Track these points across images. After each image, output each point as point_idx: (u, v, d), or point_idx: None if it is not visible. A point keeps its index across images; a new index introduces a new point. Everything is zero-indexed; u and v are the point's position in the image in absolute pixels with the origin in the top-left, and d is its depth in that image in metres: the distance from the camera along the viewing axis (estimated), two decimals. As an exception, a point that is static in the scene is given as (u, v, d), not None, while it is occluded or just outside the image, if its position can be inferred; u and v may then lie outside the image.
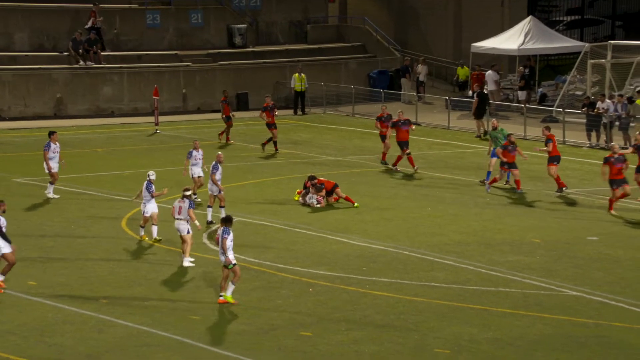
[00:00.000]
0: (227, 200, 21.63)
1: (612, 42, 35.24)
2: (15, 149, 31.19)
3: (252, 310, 16.51)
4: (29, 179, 26.25)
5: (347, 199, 23.28)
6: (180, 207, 18.53)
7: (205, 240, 20.31)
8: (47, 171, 23.89)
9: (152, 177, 20.22)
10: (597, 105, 31.86)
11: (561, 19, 44.28)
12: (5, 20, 37.55)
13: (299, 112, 37.45)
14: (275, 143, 30.04)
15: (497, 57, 38.81)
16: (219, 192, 21.41)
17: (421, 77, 39.72)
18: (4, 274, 17.05)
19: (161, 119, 34.50)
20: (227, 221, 16.56)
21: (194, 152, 23.13)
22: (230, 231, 16.41)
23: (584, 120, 32.02)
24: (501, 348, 15.01)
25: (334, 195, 23.28)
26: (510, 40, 37.43)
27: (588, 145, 31.56)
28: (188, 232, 18.52)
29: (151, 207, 20.05)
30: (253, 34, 40.79)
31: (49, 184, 23.97)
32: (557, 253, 19.92)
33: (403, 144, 27.16)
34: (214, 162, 21.55)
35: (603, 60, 34.13)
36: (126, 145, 31.96)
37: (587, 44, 35.82)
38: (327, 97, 38.12)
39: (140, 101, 37.16)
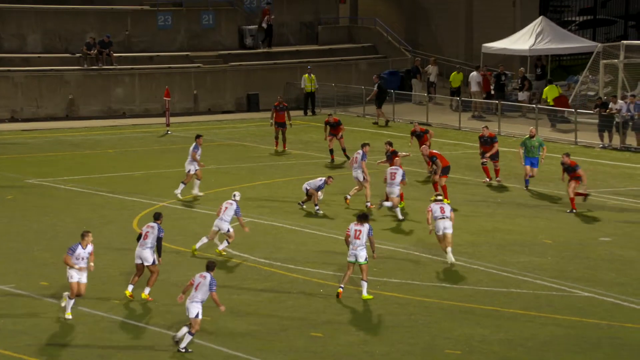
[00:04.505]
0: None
1: (625, 42, 35.06)
2: (28, 150, 31.31)
3: (262, 311, 16.53)
4: (42, 179, 26.35)
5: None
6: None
7: (217, 242, 20.32)
8: (192, 172, 23.63)
9: (237, 198, 19.45)
10: (609, 106, 31.71)
11: (573, 19, 44.12)
12: (19, 22, 37.69)
13: (309, 113, 37.47)
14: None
15: (508, 58, 38.68)
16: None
17: (432, 78, 39.63)
18: (149, 285, 16.81)
19: (172, 120, 34.57)
20: (367, 218, 17.18)
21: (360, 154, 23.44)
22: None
23: (597, 121, 31.89)
24: (512, 349, 14.97)
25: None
26: (521, 40, 37.29)
27: (600, 145, 31.43)
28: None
29: (225, 226, 19.23)
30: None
31: (181, 183, 23.72)
32: (568, 254, 19.85)
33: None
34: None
35: (616, 60, 33.98)
36: (137, 146, 32.03)
37: (599, 44, 35.65)
38: (337, 98, 38.09)
39: (151, 102, 37.24)
